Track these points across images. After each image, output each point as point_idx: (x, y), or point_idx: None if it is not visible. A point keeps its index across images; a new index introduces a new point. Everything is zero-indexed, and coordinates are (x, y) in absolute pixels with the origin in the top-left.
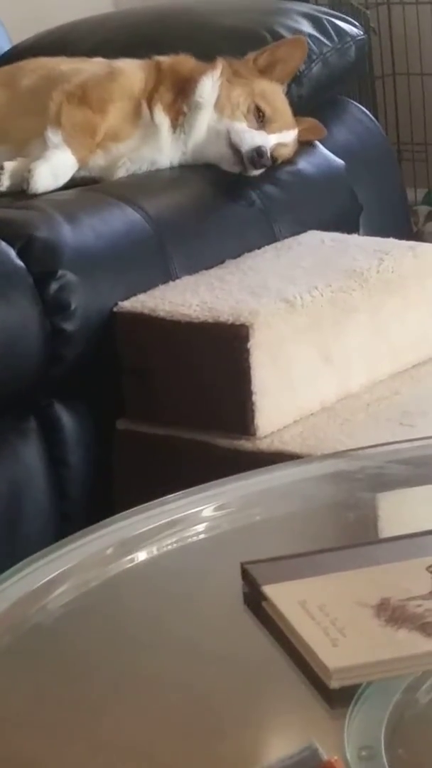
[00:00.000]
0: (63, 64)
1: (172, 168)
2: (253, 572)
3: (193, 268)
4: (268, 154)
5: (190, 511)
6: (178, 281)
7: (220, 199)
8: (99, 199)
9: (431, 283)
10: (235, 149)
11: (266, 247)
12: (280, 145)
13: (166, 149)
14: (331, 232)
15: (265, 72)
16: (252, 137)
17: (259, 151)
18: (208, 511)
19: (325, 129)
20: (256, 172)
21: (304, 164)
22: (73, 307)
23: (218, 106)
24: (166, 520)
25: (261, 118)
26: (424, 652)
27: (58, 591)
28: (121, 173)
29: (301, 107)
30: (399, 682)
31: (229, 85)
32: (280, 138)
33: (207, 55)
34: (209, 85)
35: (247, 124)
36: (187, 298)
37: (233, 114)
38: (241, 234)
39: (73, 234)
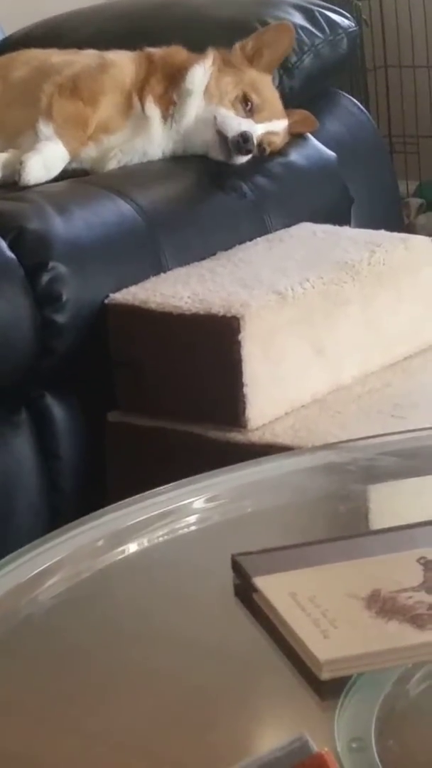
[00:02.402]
0: (54, 56)
1: (163, 159)
2: (244, 564)
3: (184, 260)
4: (254, 140)
5: (181, 503)
6: (169, 273)
7: (212, 190)
8: (90, 190)
9: (423, 276)
10: (221, 135)
11: (258, 239)
12: (269, 134)
13: (157, 140)
14: (323, 224)
15: (253, 60)
16: (238, 123)
17: (244, 137)
18: (199, 502)
19: (317, 121)
20: (242, 159)
21: (295, 156)
22: (64, 298)
23: (207, 95)
24: (157, 511)
25: (249, 107)
26: (415, 644)
27: (49, 582)
28: (112, 165)
29: (292, 99)
30: (389, 674)
31: (219, 74)
32: (269, 127)
33: (199, 47)
34: (200, 73)
35: (235, 112)
36: (178, 290)
37: (221, 102)
38: (232, 226)
39: (64, 226)
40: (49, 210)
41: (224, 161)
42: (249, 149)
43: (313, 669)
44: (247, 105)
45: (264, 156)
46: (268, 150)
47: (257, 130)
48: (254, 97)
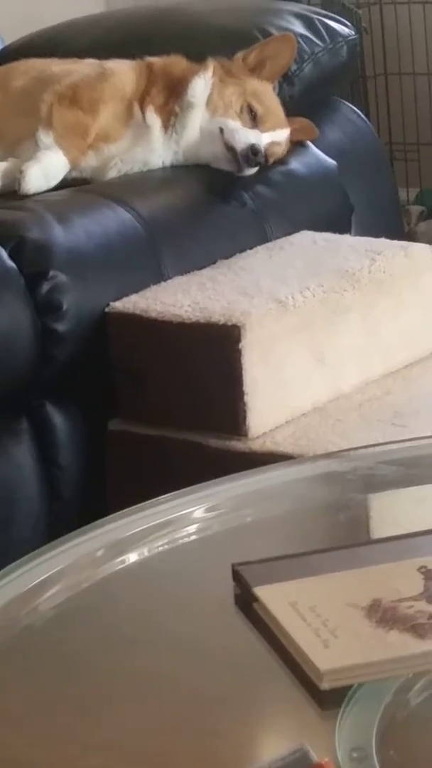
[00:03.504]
0: (54, 65)
1: (163, 168)
2: (244, 573)
3: (184, 269)
4: (263, 152)
5: (181, 513)
6: (169, 281)
7: (212, 199)
8: (90, 199)
9: (423, 283)
10: (229, 148)
11: (258, 247)
12: (272, 144)
13: (157, 150)
14: (323, 232)
15: (255, 70)
16: (246, 135)
17: (253, 149)
18: (199, 512)
19: (317, 129)
20: (251, 171)
21: (296, 164)
22: (64, 307)
23: (210, 106)
24: (158, 521)
25: (254, 117)
26: (416, 654)
27: (50, 592)
28: (112, 174)
29: (292, 107)
30: (390, 684)
31: (221, 85)
32: (273, 137)
33: (199, 56)
34: (201, 85)
35: (241, 123)
36: (178, 298)
37: (226, 113)
38: (233, 234)
39: (64, 235)
40: (49, 219)
41: (233, 173)
42: (259, 162)
43: (313, 679)
44: (251, 115)
45: (267, 165)
46: (271, 160)
47: (264, 140)
48: (258, 107)
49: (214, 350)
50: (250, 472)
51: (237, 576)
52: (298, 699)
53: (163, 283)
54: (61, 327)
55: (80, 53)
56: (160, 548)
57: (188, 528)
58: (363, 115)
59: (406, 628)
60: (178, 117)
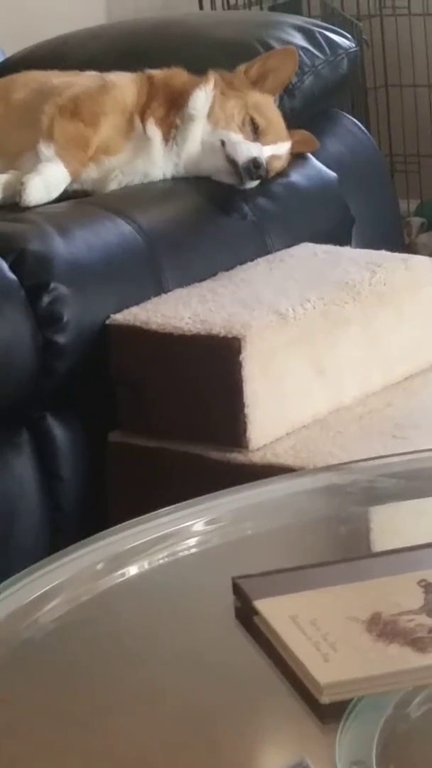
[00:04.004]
0: (55, 77)
1: (164, 181)
2: (244, 587)
3: (185, 281)
4: (265, 166)
5: (181, 526)
6: (170, 294)
7: (213, 211)
8: (91, 211)
9: (424, 295)
10: (231, 161)
11: (259, 259)
12: (273, 157)
13: (158, 162)
14: (324, 244)
15: (256, 83)
16: (248, 149)
17: (255, 163)
18: (199, 525)
19: (318, 141)
20: (252, 184)
21: (296, 177)
22: (65, 319)
23: (212, 119)
24: (157, 534)
25: (255, 130)
26: (416, 667)
27: (50, 606)
28: (113, 186)
29: (293, 119)
30: (390, 697)
31: (223, 98)
32: (274, 150)
33: (199, 68)
34: (202, 98)
35: (242, 136)
36: (179, 310)
37: (228, 126)
38: (233, 246)
39: (65, 247)
40: (50, 231)
41: (234, 185)
42: (260, 175)
43: (313, 692)
44: (253, 128)
45: (268, 178)
46: (272, 173)
47: (265, 153)
48: (260, 120)
49: (215, 362)
50: (251, 485)
51: (237, 589)
52: (298, 712)
53: (163, 295)
54: (61, 339)
55: (81, 65)
56: (161, 561)
57: (188, 541)
58: (363, 127)
59: (407, 642)
60: (179, 129)
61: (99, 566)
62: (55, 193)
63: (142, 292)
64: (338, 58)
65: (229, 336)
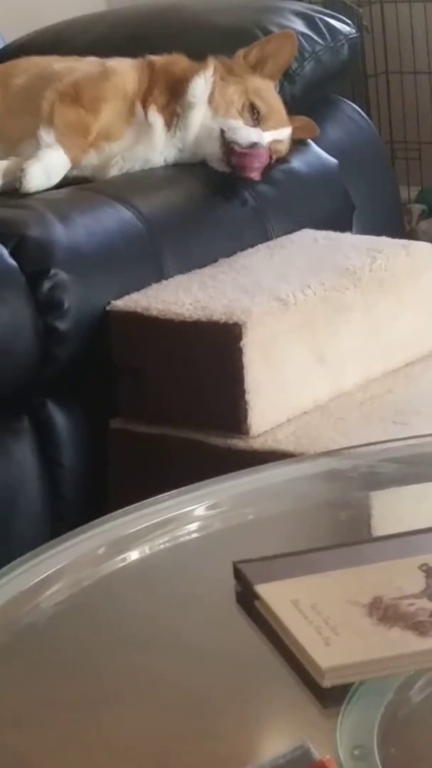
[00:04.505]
0: (56, 63)
1: (165, 167)
2: (245, 571)
3: (185, 267)
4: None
5: (182, 510)
6: (171, 280)
7: (213, 198)
8: (92, 198)
9: (424, 282)
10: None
11: (259, 245)
12: (275, 142)
13: (159, 148)
14: (324, 230)
15: (256, 68)
16: (248, 134)
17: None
18: (200, 510)
19: (318, 128)
20: None
21: (297, 163)
22: (65, 306)
23: (212, 105)
24: (159, 519)
25: (256, 116)
26: (417, 651)
27: (51, 590)
28: (114, 172)
29: (293, 106)
30: (391, 681)
31: (223, 84)
32: (275, 135)
33: (200, 54)
34: (201, 85)
35: (243, 122)
36: (180, 296)
37: (228, 112)
38: (234, 233)
39: (65, 233)
40: (50, 217)
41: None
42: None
43: (315, 676)
44: (254, 114)
45: (269, 163)
46: (274, 158)
47: (266, 138)
48: (261, 106)
49: (215, 348)
50: (251, 470)
51: (238, 574)
52: (299, 696)
53: (164, 282)
54: (62, 325)
55: (81, 51)
56: (161, 546)
57: (189, 526)
58: (364, 114)
59: (408, 626)
60: (179, 116)
61: (100, 551)
62: (56, 180)
63: (142, 279)
64: (338, 44)
65: (230, 322)
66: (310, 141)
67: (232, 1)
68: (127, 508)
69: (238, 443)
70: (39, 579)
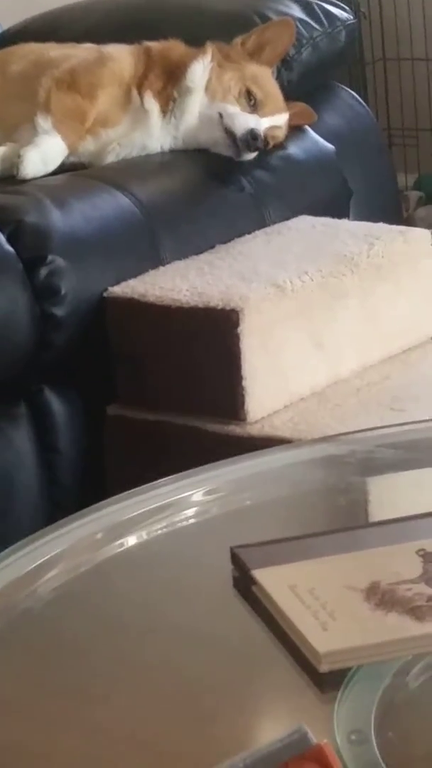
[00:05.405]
0: (52, 49)
1: (162, 153)
2: (242, 556)
3: (183, 253)
4: (262, 137)
5: (180, 496)
6: (168, 266)
7: (211, 184)
8: (89, 184)
9: (421, 268)
10: (228, 133)
11: (256, 232)
12: (272, 128)
13: (156, 134)
14: (322, 217)
15: (253, 55)
16: (246, 120)
17: (252, 134)
18: (198, 495)
19: (316, 114)
20: (250, 156)
21: (294, 149)
22: (62, 292)
23: (209, 91)
24: (156, 504)
25: (253, 102)
26: (414, 636)
27: (48, 576)
28: (111, 158)
29: (291, 92)
30: (389, 666)
31: (220, 70)
32: (272, 121)
33: (197, 40)
34: (199, 70)
35: (240, 108)
36: (177, 283)
37: (225, 98)
38: (231, 219)
39: (62, 219)
40: (47, 203)
41: (232, 158)
42: (258, 147)
43: (312, 661)
44: (250, 100)
45: (266, 150)
46: (270, 144)
47: (263, 124)
48: (258, 92)
49: (213, 335)
50: (249, 456)
51: (236, 559)
52: (296, 681)
53: (161, 268)
54: (59, 312)
55: (78, 37)
56: (159, 531)
57: (187, 511)
58: (361, 101)
59: (405, 611)
60: (176, 102)
61: (98, 536)
62: (52, 166)
63: (139, 265)
64: (336, 31)
65: (227, 308)
66: (307, 127)
67: None
68: (125, 493)
69: (236, 429)
70: (36, 564)
